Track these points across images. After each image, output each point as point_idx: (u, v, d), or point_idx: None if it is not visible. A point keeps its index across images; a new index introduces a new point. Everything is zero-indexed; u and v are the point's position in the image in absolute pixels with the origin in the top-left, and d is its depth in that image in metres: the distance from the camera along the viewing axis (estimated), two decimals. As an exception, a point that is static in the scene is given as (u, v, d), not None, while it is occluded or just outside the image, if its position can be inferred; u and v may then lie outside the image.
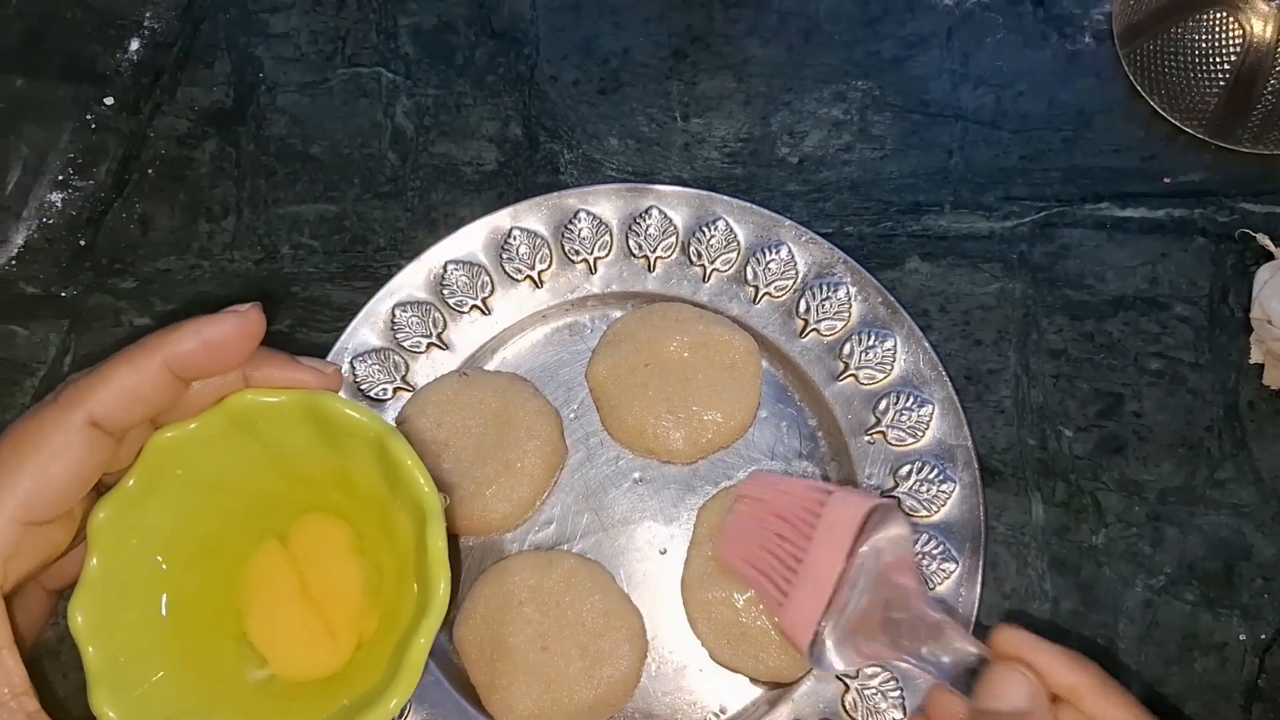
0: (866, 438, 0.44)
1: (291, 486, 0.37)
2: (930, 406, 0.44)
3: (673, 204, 0.46)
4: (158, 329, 0.32)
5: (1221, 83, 0.47)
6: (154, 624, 0.34)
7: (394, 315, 0.45)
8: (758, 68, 0.51)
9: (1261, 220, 0.47)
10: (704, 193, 0.46)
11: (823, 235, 0.46)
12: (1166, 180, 0.48)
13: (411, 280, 0.46)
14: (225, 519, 0.36)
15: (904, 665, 0.37)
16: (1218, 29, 0.47)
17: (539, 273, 0.46)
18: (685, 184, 0.48)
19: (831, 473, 0.44)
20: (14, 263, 0.49)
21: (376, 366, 0.45)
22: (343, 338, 0.45)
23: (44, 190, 0.50)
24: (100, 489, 0.33)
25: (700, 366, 0.44)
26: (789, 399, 0.46)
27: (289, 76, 0.52)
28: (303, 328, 0.47)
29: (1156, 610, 0.43)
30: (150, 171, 0.50)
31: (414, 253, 0.46)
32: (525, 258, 0.46)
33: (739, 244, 0.46)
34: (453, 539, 0.44)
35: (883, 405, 0.44)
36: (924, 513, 0.42)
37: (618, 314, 0.47)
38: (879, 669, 0.41)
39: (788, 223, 0.46)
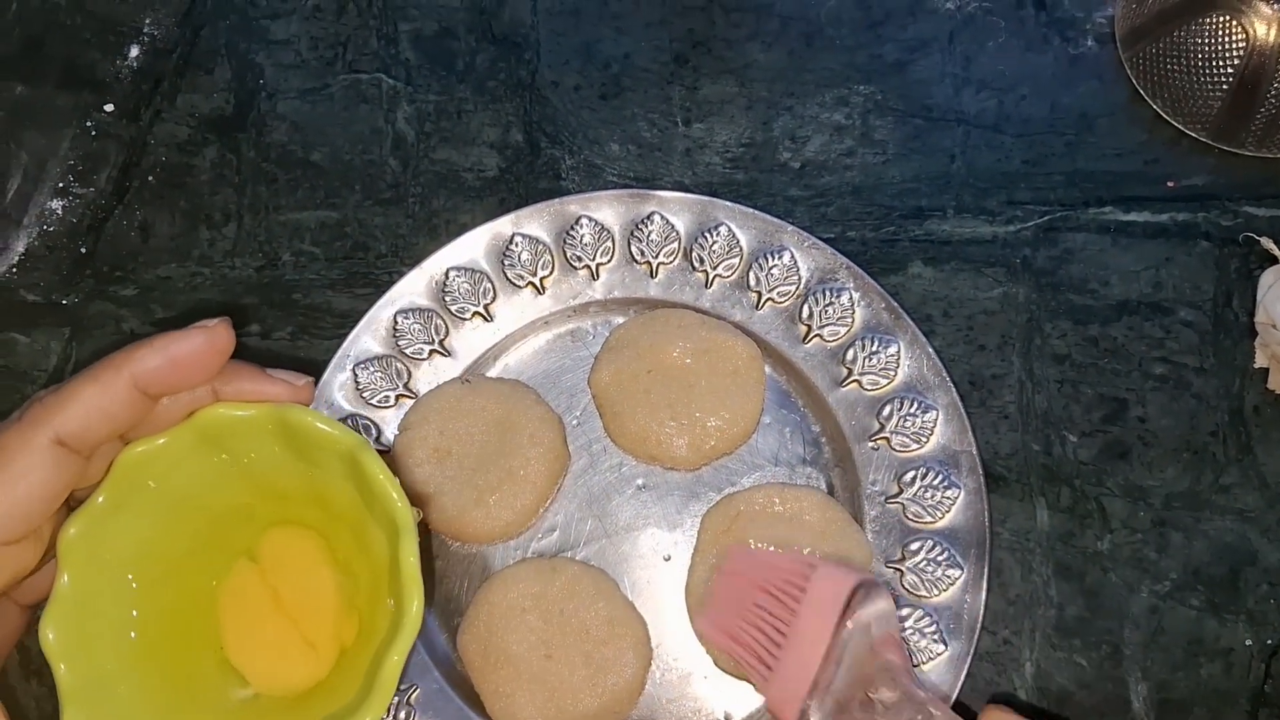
0: (870, 444, 0.44)
1: (264, 500, 0.36)
2: (934, 412, 0.43)
3: (675, 210, 0.46)
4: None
5: (1225, 86, 0.47)
6: (127, 642, 0.33)
7: (396, 322, 0.45)
8: (759, 72, 0.51)
9: (1266, 224, 0.47)
10: (706, 198, 0.46)
11: (825, 240, 0.45)
12: (1170, 184, 0.48)
13: (413, 287, 0.45)
14: (196, 534, 0.35)
15: None
16: (1221, 32, 0.47)
17: (541, 279, 0.46)
18: (687, 189, 0.48)
19: (835, 479, 0.44)
20: (15, 270, 0.49)
21: (378, 374, 0.45)
22: (344, 345, 0.45)
23: (44, 197, 0.50)
24: (70, 504, 0.32)
25: (703, 372, 0.44)
26: (792, 405, 0.45)
27: (289, 83, 0.51)
28: (304, 335, 0.47)
29: (1162, 616, 0.43)
30: (151, 178, 0.50)
31: (415, 259, 0.46)
32: (527, 264, 0.46)
33: (741, 249, 0.46)
34: (448, 547, 0.44)
35: (886, 411, 0.44)
36: (928, 519, 0.42)
37: (620, 320, 0.46)
38: None
39: (790, 228, 0.46)
